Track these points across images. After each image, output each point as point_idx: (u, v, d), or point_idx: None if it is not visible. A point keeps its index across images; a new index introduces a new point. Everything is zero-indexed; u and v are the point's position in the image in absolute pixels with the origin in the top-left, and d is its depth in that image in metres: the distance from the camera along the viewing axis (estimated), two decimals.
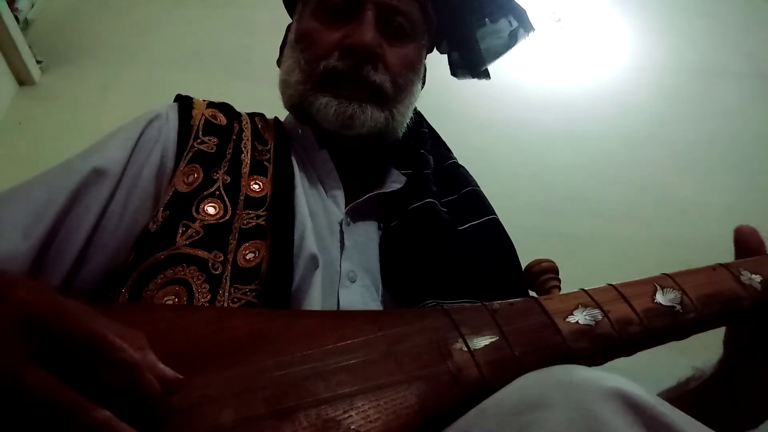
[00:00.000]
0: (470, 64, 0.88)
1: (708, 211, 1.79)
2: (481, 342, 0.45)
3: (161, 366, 0.35)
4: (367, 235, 0.71)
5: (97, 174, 0.61)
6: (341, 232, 0.69)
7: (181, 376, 0.35)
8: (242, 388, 0.39)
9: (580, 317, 0.48)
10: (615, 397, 0.36)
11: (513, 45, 0.86)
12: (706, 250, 1.61)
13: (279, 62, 0.85)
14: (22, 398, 0.28)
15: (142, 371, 0.32)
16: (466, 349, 0.45)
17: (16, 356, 0.29)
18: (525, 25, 0.85)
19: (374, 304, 0.65)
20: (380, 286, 0.67)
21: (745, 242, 0.58)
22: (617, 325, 0.48)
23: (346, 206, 0.72)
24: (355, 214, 0.72)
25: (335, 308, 0.62)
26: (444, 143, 0.89)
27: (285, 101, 0.79)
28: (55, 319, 0.31)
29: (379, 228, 0.73)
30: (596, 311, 0.48)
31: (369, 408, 0.40)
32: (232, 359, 0.41)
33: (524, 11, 0.84)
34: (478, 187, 0.81)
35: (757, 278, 0.54)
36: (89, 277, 0.59)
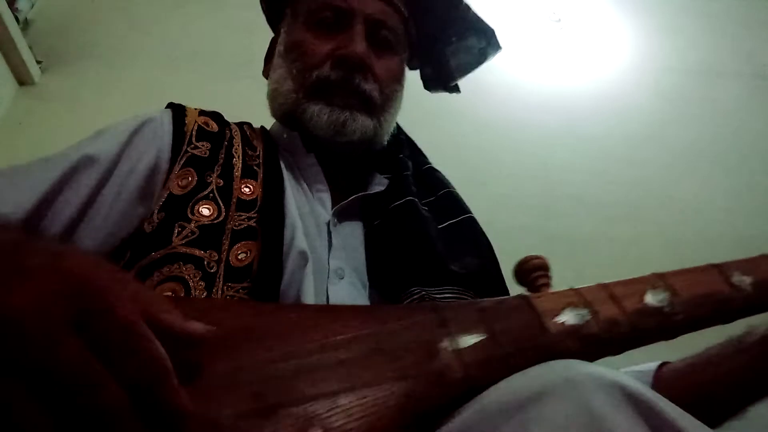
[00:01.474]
0: (442, 78, 0.91)
1: (708, 211, 1.80)
2: (469, 341, 0.46)
3: (190, 322, 0.36)
4: (353, 234, 0.74)
5: (88, 160, 0.64)
6: (329, 232, 0.71)
7: (213, 327, 0.36)
8: (227, 384, 0.40)
9: (568, 317, 0.48)
10: (615, 391, 0.37)
11: (483, 62, 0.90)
12: (706, 250, 1.62)
13: (266, 74, 0.87)
14: (54, 362, 0.30)
15: (167, 375, 0.33)
16: (453, 348, 0.45)
17: (57, 321, 0.31)
18: (493, 45, 0.88)
19: (361, 299, 0.67)
20: (367, 283, 0.70)
21: None
22: (605, 325, 0.48)
23: (332, 207, 0.75)
24: (341, 215, 0.75)
25: (325, 303, 0.64)
26: (420, 150, 0.92)
27: (275, 109, 0.81)
28: (100, 298, 0.33)
29: (364, 228, 0.76)
30: (585, 311, 0.49)
31: (352, 406, 0.40)
32: (217, 354, 0.41)
33: (492, 31, 0.87)
34: (454, 189, 0.84)
35: (748, 279, 0.54)
36: None
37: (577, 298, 0.50)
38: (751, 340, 0.62)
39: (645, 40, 2.17)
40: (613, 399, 0.36)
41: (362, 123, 0.75)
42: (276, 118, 0.83)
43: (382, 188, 0.78)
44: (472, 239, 0.77)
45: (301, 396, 0.40)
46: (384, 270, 0.69)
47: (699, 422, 0.38)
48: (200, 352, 0.38)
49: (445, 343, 0.45)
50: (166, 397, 0.33)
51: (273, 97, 0.81)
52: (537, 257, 0.59)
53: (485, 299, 0.50)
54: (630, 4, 2.24)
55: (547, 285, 0.56)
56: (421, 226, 0.72)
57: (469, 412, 0.40)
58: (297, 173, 0.77)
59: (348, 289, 0.67)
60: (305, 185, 0.76)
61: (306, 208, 0.71)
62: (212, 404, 0.38)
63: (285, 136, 0.80)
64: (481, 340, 0.46)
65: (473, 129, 1.84)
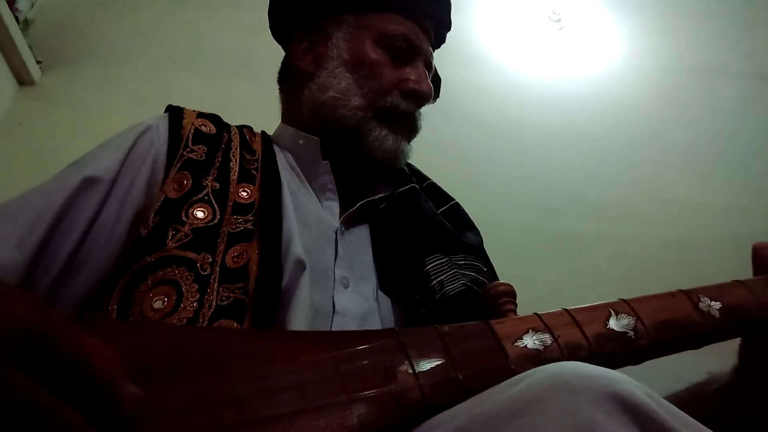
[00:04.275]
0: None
1: (708, 211, 1.80)
2: (427, 365, 0.46)
3: (128, 384, 0.36)
4: (360, 240, 0.76)
5: (89, 183, 0.63)
6: (336, 240, 0.72)
7: (143, 395, 0.36)
8: (186, 406, 0.40)
9: (529, 341, 0.49)
10: (609, 398, 0.36)
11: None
12: (706, 250, 1.63)
13: (301, 75, 0.83)
14: (5, 398, 0.31)
15: (117, 389, 0.34)
16: (411, 371, 0.46)
17: (2, 361, 0.31)
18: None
19: (367, 305, 0.68)
20: (375, 288, 0.70)
21: (760, 257, 0.61)
22: (566, 350, 0.49)
23: (340, 216, 0.76)
24: (348, 223, 0.76)
25: (331, 311, 0.65)
26: None
27: (326, 117, 0.79)
28: (43, 334, 0.33)
29: (370, 230, 0.77)
30: (546, 336, 0.49)
31: (308, 428, 0.40)
32: (179, 378, 0.42)
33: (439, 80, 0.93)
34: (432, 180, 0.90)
35: (716, 305, 0.55)
36: (84, 281, 0.60)
37: (539, 322, 0.51)
38: (708, 389, 0.62)
39: (645, 40, 2.17)
40: (607, 406, 0.36)
41: (409, 152, 0.81)
42: (314, 124, 0.80)
43: (386, 193, 0.79)
44: (465, 220, 0.83)
45: (260, 417, 0.40)
46: (399, 245, 0.72)
47: (701, 426, 0.38)
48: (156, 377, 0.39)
49: (404, 367, 0.46)
50: (118, 412, 0.34)
51: (332, 105, 0.78)
52: (503, 284, 0.59)
53: (446, 325, 0.51)
54: (630, 4, 2.24)
55: (513, 311, 0.56)
56: (430, 204, 0.78)
57: (460, 420, 0.40)
58: (303, 180, 0.77)
59: (353, 297, 0.68)
60: (313, 192, 0.77)
61: (312, 217, 0.72)
62: (168, 428, 0.38)
63: (301, 141, 0.80)
64: (439, 364, 0.46)
65: (473, 129, 1.85)
